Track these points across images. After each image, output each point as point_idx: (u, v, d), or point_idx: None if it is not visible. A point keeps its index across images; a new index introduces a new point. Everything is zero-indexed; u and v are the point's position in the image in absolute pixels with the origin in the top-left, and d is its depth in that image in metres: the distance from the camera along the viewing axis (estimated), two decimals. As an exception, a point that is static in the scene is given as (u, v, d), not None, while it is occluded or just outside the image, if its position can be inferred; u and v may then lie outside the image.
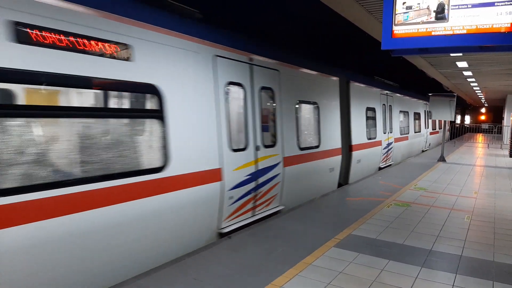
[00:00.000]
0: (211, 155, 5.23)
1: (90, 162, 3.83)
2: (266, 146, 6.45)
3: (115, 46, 4.02)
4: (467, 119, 56.66)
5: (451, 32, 4.43)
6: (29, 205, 3.25)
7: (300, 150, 7.48)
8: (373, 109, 11.79)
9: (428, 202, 7.63)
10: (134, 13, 4.30)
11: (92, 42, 3.80)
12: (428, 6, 4.50)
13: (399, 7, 4.66)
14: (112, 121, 4.19)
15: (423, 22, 4.54)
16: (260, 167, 6.25)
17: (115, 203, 3.94)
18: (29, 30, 3.30)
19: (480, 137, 31.07)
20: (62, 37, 3.54)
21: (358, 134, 10.62)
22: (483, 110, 54.66)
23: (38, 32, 3.36)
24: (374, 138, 11.80)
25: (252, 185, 6.05)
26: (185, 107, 4.86)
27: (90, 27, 3.79)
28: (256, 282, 3.93)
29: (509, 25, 4.15)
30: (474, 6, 4.31)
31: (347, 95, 10.07)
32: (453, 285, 3.95)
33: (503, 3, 4.14)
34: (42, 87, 3.56)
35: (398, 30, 4.70)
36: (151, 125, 4.50)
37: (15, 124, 3.35)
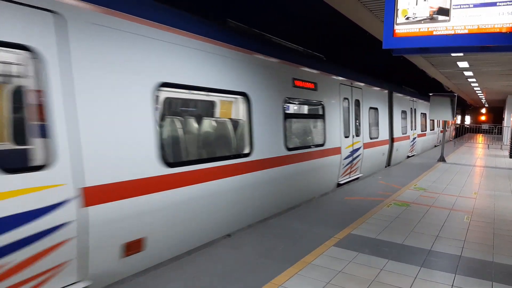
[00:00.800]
0: (337, 138, 9.18)
1: (312, 138, 8.56)
2: (356, 136, 10.42)
3: (313, 84, 8.10)
4: (468, 120, 56.67)
5: (452, 32, 4.43)
6: (304, 154, 7.57)
7: (370, 139, 11.47)
8: (405, 112, 15.56)
9: (428, 202, 7.63)
10: (317, 66, 8.49)
11: (309, 84, 7.90)
12: (430, 5, 4.50)
13: (400, 6, 4.66)
14: (313, 120, 8.68)
15: (425, 22, 4.53)
16: (354, 148, 10.22)
17: (319, 158, 8.30)
18: (295, 81, 7.34)
19: (480, 138, 31.06)
20: (302, 83, 7.60)
21: (397, 130, 14.32)
22: (483, 110, 54.66)
23: (297, 81, 7.41)
24: (405, 133, 15.58)
25: (350, 159, 9.99)
26: (331, 112, 8.86)
27: (310, 77, 7.98)
28: (256, 280, 3.93)
29: (510, 25, 4.15)
30: (476, 6, 4.30)
31: (391, 102, 13.84)
32: (452, 285, 3.95)
33: (505, 3, 4.13)
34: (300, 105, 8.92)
35: (399, 29, 4.69)
36: (321, 122, 8.56)
37: (294, 121, 7.95)
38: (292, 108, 8.75)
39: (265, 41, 7.19)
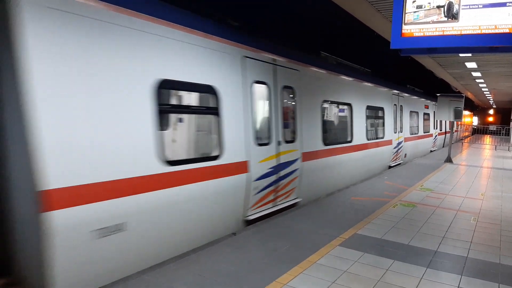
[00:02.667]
0: (432, 129, 19.70)
1: (425, 128, 18.52)
2: (434, 129, 20.29)
3: (428, 106, 18.71)
4: (475, 120, 56.14)
5: (461, 32, 4.40)
6: (423, 135, 17.99)
7: (440, 131, 21.35)
8: None
9: (434, 203, 7.59)
10: (427, 97, 18.81)
11: (427, 106, 18.55)
12: (439, 5, 4.47)
13: (409, 6, 4.63)
14: (427, 121, 18.70)
15: (433, 22, 4.50)
16: (435, 135, 20.39)
17: (427, 137, 18.92)
18: (425, 106, 18.40)
19: (487, 139, 30.80)
20: (425, 106, 18.40)
21: (442, 128, 22.29)
22: (491, 111, 54.15)
23: (425, 105, 18.52)
24: (444, 130, 23.31)
25: (433, 140, 20.14)
26: (430, 117, 19.12)
27: (426, 103, 18.52)
28: (261, 280, 3.94)
29: (520, 26, 4.11)
30: (485, 6, 4.26)
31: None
32: (458, 286, 3.93)
33: (515, 4, 4.09)
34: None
35: (407, 29, 4.66)
36: (428, 122, 19.05)
37: (424, 122, 18.28)
38: (423, 117, 17.56)
39: (414, 90, 17.06)
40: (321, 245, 4.99)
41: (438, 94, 14.86)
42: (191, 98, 5.46)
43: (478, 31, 4.30)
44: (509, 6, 4.14)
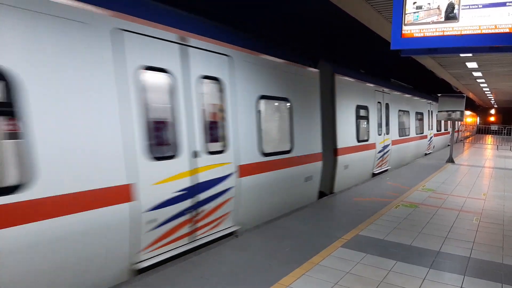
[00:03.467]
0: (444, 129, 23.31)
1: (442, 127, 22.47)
2: (449, 128, 23.02)
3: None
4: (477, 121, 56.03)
5: (461, 32, 4.40)
6: (442, 133, 22.19)
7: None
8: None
9: (437, 203, 7.59)
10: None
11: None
12: (439, 6, 4.47)
13: (409, 7, 4.63)
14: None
15: (433, 22, 4.50)
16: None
17: (443, 135, 22.34)
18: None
19: (489, 139, 30.76)
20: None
21: (456, 127, 21.52)
22: (492, 111, 54.12)
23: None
24: (457, 129, 24.57)
25: (442, 138, 22.31)
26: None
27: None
28: (263, 281, 3.94)
29: (520, 26, 4.10)
30: (485, 6, 4.26)
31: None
32: (461, 286, 3.93)
33: (515, 3, 4.09)
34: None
35: (407, 30, 4.67)
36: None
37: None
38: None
39: (437, 98, 16.47)
40: (323, 246, 4.99)
41: (439, 95, 14.83)
42: (362, 112, 10.48)
43: (478, 31, 4.30)
44: (509, 5, 4.13)
